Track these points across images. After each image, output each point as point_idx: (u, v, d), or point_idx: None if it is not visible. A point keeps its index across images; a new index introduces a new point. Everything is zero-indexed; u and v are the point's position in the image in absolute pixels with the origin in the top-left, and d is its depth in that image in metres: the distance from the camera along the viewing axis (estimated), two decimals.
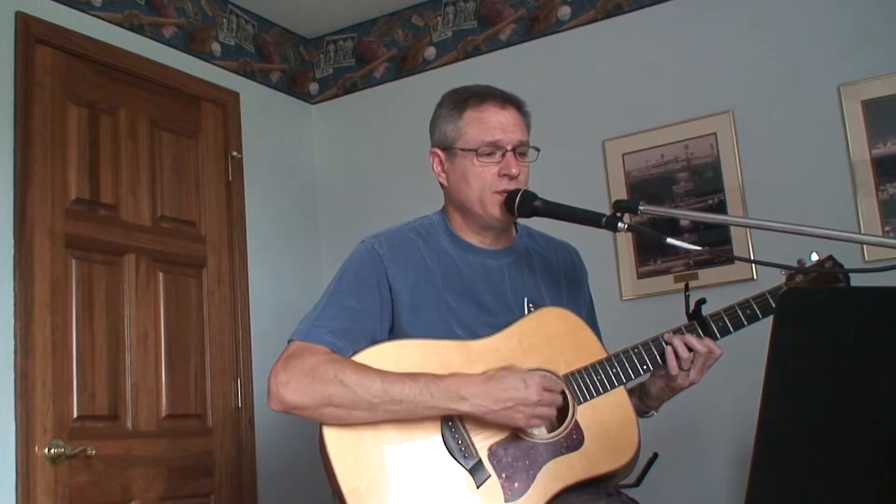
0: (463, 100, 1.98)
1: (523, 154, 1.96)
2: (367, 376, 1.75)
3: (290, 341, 1.85)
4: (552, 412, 1.78)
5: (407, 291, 1.90)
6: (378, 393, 1.73)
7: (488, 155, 1.92)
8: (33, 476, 2.71)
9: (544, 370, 1.85)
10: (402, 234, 1.98)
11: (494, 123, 1.93)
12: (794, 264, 1.90)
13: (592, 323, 2.12)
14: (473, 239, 2.00)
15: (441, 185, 2.04)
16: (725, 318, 1.89)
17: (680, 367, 1.87)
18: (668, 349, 1.87)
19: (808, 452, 1.20)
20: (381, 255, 1.92)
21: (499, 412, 1.74)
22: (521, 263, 2.03)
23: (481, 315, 1.92)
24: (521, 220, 2.05)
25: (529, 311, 1.95)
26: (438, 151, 2.01)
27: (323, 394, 1.74)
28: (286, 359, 1.80)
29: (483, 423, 1.77)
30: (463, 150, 1.94)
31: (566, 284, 2.08)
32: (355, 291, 1.89)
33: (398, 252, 1.94)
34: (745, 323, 1.89)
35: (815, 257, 1.91)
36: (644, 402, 2.00)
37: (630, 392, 1.99)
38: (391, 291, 1.90)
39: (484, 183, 1.92)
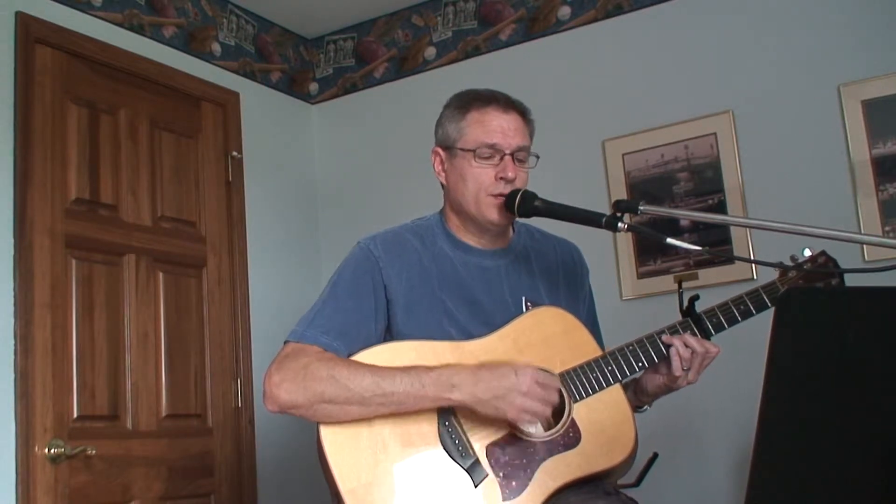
0: (467, 101, 1.99)
1: (522, 160, 1.96)
2: (359, 371, 1.75)
3: (285, 343, 1.86)
4: (545, 410, 1.76)
5: (402, 292, 1.91)
6: (369, 386, 1.73)
7: (487, 157, 1.93)
8: (33, 476, 2.71)
9: (540, 368, 1.85)
10: (399, 236, 1.99)
11: (495, 126, 1.94)
12: (793, 265, 1.90)
13: (593, 321, 2.12)
14: (470, 240, 2.00)
15: (441, 184, 2.04)
16: (719, 313, 1.90)
17: (682, 368, 1.87)
18: (673, 352, 1.87)
19: (808, 452, 1.20)
20: (376, 257, 1.93)
21: (489, 402, 1.73)
22: (518, 263, 2.03)
23: (478, 316, 1.92)
24: (521, 220, 2.06)
25: (527, 311, 1.95)
26: (440, 150, 2.02)
27: (315, 391, 1.74)
28: (280, 360, 1.81)
29: (476, 416, 1.77)
30: (463, 150, 1.95)
31: (564, 282, 2.08)
32: (351, 293, 1.89)
33: (394, 253, 1.94)
34: (739, 319, 1.90)
35: (807, 253, 1.93)
36: (638, 397, 2.00)
37: (624, 387, 2.00)
38: (387, 292, 1.91)
39: (480, 185, 1.93)
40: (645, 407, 2.03)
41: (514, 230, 2.08)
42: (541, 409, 1.75)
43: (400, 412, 1.76)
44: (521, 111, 2.00)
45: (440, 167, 2.02)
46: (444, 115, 2.03)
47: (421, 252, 1.96)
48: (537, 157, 1.99)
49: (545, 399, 1.75)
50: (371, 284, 1.90)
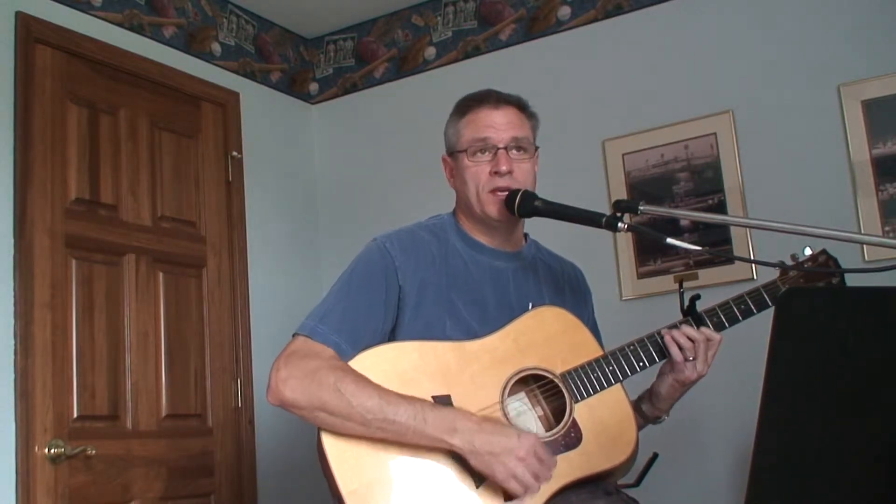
0: (464, 106, 2.01)
1: (523, 149, 1.96)
2: (365, 391, 1.73)
3: (294, 335, 1.85)
4: (535, 484, 1.71)
5: (414, 292, 1.90)
6: (373, 409, 1.71)
7: (479, 153, 1.94)
8: (33, 476, 2.71)
9: (542, 369, 1.85)
10: (414, 234, 1.99)
11: (486, 122, 1.95)
12: (794, 264, 1.91)
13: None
14: (483, 239, 2.01)
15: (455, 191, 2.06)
16: (720, 313, 1.91)
17: (685, 358, 1.87)
18: (668, 339, 1.87)
19: (808, 452, 1.20)
20: (391, 255, 1.92)
21: (482, 455, 1.70)
22: (526, 270, 2.04)
23: (482, 314, 1.92)
24: (530, 234, 2.07)
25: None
26: (447, 158, 2.04)
27: (319, 398, 1.73)
28: (289, 355, 1.80)
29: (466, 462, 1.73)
30: (460, 152, 1.97)
31: (570, 296, 2.08)
32: (364, 290, 1.89)
33: (409, 251, 1.94)
34: (740, 318, 1.90)
35: (808, 252, 1.93)
36: (655, 405, 1.99)
37: (639, 399, 2.00)
38: (400, 291, 1.90)
39: (478, 183, 1.94)
40: (663, 417, 2.02)
41: (526, 239, 2.09)
42: (530, 481, 1.70)
43: (397, 442, 1.73)
44: (517, 104, 2.00)
45: (449, 174, 2.05)
46: (447, 122, 2.05)
47: (435, 250, 1.96)
48: (537, 147, 2.00)
49: (539, 473, 1.71)
50: (384, 283, 1.89)
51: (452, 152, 2.01)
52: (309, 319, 1.86)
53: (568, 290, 2.09)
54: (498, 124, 1.94)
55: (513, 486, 1.70)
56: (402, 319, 1.90)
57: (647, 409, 2.00)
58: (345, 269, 1.94)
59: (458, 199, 2.04)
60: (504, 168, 1.91)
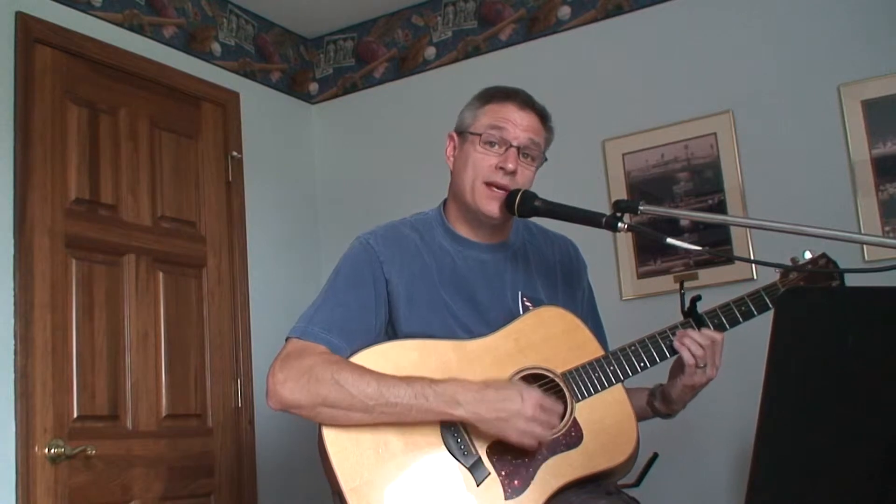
0: (491, 93, 2.02)
1: (530, 157, 1.96)
2: (363, 378, 1.75)
3: (287, 339, 1.86)
4: (546, 434, 1.76)
5: (403, 286, 1.91)
6: (373, 395, 1.73)
7: (491, 144, 1.94)
8: (33, 476, 2.71)
9: (542, 368, 1.85)
10: (398, 230, 2.00)
11: (508, 117, 1.96)
12: (792, 264, 1.91)
13: (594, 315, 2.13)
14: (469, 233, 2.01)
15: (451, 171, 2.05)
16: (721, 314, 1.91)
17: (696, 365, 1.86)
18: (679, 346, 1.86)
19: (808, 452, 1.20)
20: (376, 252, 1.93)
21: (492, 422, 1.74)
22: (516, 258, 2.04)
23: (476, 310, 1.93)
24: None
25: (525, 307, 1.96)
26: (454, 135, 2.04)
27: (319, 394, 1.74)
28: (284, 358, 1.81)
29: (476, 429, 1.77)
30: (472, 133, 1.97)
31: (562, 278, 2.08)
32: (351, 286, 1.90)
33: (394, 248, 1.95)
34: (741, 319, 1.90)
35: (808, 255, 1.93)
36: (668, 405, 1.99)
37: (651, 395, 2.00)
38: (387, 286, 1.91)
39: (479, 171, 1.94)
40: (676, 413, 2.02)
41: (511, 225, 2.08)
42: (541, 433, 1.75)
43: (403, 422, 1.76)
44: (541, 114, 2.01)
45: (451, 151, 2.04)
46: (467, 104, 2.06)
47: (420, 246, 1.97)
48: (545, 158, 2.00)
49: (547, 423, 1.76)
50: (371, 277, 1.91)
51: (463, 132, 2.00)
52: (299, 322, 1.88)
53: (560, 273, 2.09)
54: (519, 123, 1.95)
55: (528, 443, 1.75)
56: (398, 315, 1.90)
57: (660, 407, 2.00)
58: (332, 270, 1.95)
59: (452, 182, 2.03)
60: (511, 166, 1.92)
